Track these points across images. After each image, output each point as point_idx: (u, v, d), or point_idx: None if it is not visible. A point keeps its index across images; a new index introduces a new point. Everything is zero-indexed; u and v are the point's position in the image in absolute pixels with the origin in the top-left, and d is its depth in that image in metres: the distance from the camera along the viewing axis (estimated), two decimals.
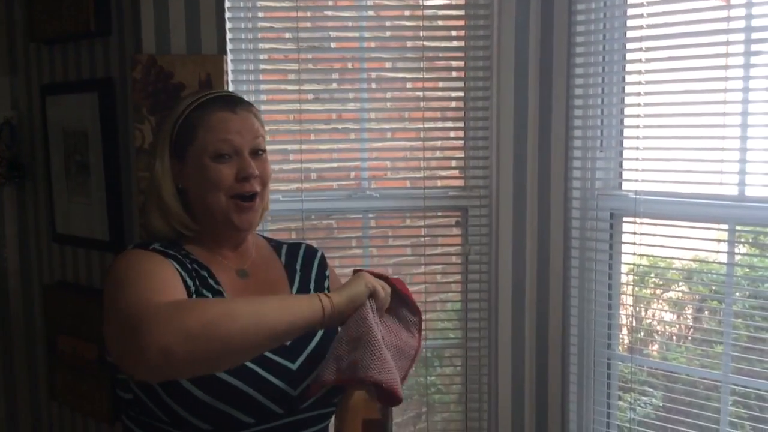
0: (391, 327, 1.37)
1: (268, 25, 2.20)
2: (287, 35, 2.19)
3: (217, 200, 1.40)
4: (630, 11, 2.13)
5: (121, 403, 1.42)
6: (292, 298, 1.34)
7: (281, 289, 1.49)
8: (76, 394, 2.33)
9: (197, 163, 1.40)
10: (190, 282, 1.34)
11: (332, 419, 1.40)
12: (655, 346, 2.42)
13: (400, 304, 1.40)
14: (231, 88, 2.09)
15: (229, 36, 2.09)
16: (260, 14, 2.16)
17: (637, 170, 2.14)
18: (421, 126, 2.22)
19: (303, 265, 1.57)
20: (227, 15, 2.08)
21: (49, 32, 2.27)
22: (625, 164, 2.21)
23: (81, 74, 2.25)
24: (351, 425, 1.30)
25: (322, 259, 1.62)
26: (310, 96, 2.21)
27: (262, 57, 2.19)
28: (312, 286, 1.55)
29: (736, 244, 2.05)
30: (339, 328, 1.33)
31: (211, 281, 1.39)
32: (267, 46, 2.20)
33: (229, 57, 2.09)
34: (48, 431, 2.54)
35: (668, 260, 2.19)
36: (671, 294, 2.49)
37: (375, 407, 1.30)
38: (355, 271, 1.37)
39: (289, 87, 2.19)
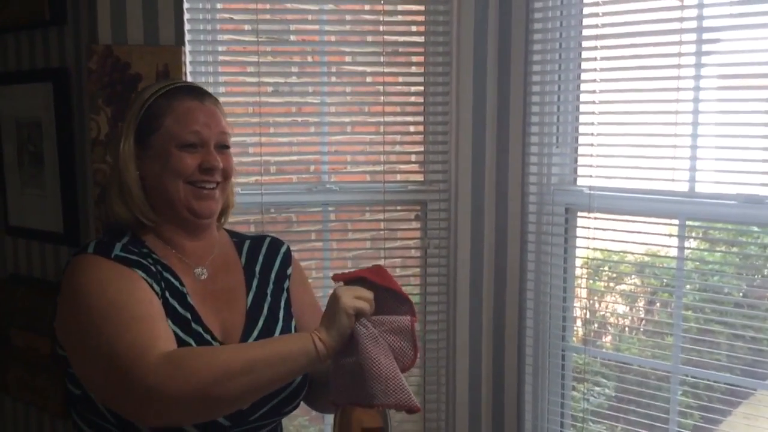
0: (382, 322, 1.33)
1: (227, 16, 2.18)
2: (247, 27, 2.17)
3: (176, 188, 1.39)
4: (586, 10, 2.16)
5: (70, 398, 1.41)
6: (285, 346, 1.26)
7: (238, 298, 1.48)
8: (29, 388, 2.29)
9: (161, 150, 1.39)
10: (157, 287, 1.33)
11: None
12: (608, 338, 2.48)
13: (385, 295, 1.36)
14: (189, 79, 2.07)
15: (187, 27, 2.07)
16: (219, 5, 2.14)
17: (591, 166, 2.18)
18: (381, 120, 2.23)
19: (263, 265, 1.55)
20: (185, 5, 2.06)
21: (1, 20, 2.22)
22: (580, 160, 2.25)
23: (35, 64, 2.20)
24: None
25: (286, 255, 1.60)
26: (270, 88, 2.20)
27: (221, 48, 2.17)
28: (270, 289, 1.53)
29: (686, 238, 2.11)
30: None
31: (175, 283, 1.39)
32: (226, 37, 2.19)
33: (188, 48, 2.07)
34: (1, 426, 2.49)
35: (621, 254, 2.24)
36: (624, 287, 2.55)
37: (377, 416, 1.31)
38: (335, 277, 1.36)
39: (249, 79, 2.18)
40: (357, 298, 1.30)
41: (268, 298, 1.51)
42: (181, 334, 1.33)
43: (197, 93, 1.45)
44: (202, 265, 1.46)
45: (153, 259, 1.39)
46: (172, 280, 1.39)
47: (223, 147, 1.44)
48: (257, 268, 1.54)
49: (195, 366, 1.19)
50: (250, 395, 1.25)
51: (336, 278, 1.37)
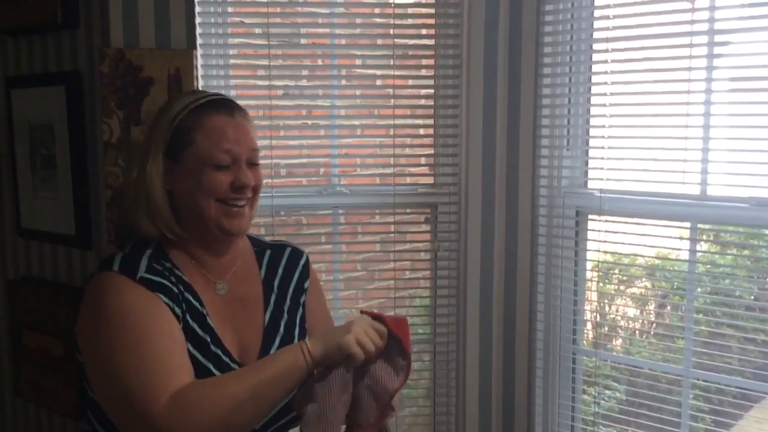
0: (371, 375, 1.39)
1: (238, 20, 2.19)
2: (258, 30, 2.18)
3: (208, 205, 1.39)
4: (597, 12, 2.16)
5: (86, 399, 1.42)
6: (282, 363, 1.31)
7: (256, 315, 1.49)
8: (41, 389, 2.30)
9: (193, 168, 1.38)
10: (178, 311, 1.35)
11: None
12: (619, 341, 2.47)
13: (393, 345, 1.42)
14: (201, 83, 2.08)
15: (198, 30, 2.08)
16: (230, 9, 2.15)
17: (602, 169, 2.18)
18: (391, 123, 2.23)
19: (282, 280, 1.56)
20: (197, 9, 2.07)
21: (14, 24, 2.24)
22: (591, 163, 2.25)
23: (47, 67, 2.22)
24: None
25: (305, 268, 1.61)
26: (280, 92, 2.20)
27: (232, 52, 2.18)
28: (287, 306, 1.54)
29: (697, 241, 2.10)
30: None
31: (196, 304, 1.39)
32: (237, 41, 2.20)
33: (199, 52, 2.08)
34: (12, 427, 2.51)
35: (632, 257, 2.24)
36: (634, 290, 2.54)
37: None
38: (361, 311, 1.43)
39: (259, 82, 2.19)
40: (360, 344, 1.34)
41: (285, 315, 1.53)
42: (200, 357, 1.36)
43: (227, 107, 1.43)
44: (223, 279, 1.47)
45: (176, 276, 1.39)
46: (193, 300, 1.39)
47: (254, 164, 1.44)
48: (276, 282, 1.55)
49: (205, 407, 1.23)
50: (261, 417, 1.32)
51: (362, 312, 1.43)
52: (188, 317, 1.37)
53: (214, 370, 1.36)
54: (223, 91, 2.13)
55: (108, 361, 1.27)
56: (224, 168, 1.39)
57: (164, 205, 1.40)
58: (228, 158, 1.39)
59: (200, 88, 2.06)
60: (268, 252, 1.58)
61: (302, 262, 1.61)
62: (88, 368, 1.34)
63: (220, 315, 1.43)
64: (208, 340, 1.38)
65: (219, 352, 1.39)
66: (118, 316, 1.29)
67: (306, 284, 1.59)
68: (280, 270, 1.57)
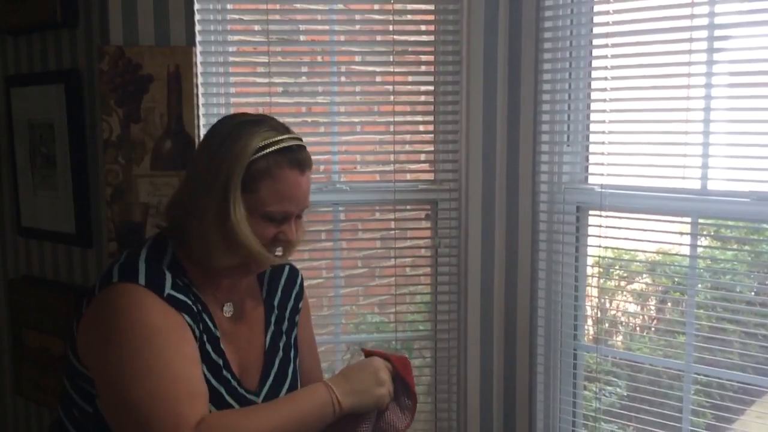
0: (384, 418, 1.44)
1: (237, 17, 2.19)
2: (257, 27, 2.18)
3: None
4: (597, 8, 2.16)
5: (69, 404, 1.40)
6: (309, 406, 1.33)
7: (257, 337, 1.49)
8: (41, 388, 2.31)
9: (247, 209, 1.34)
10: (197, 332, 1.33)
11: None
12: (620, 337, 2.47)
13: (399, 385, 1.45)
14: (200, 80, 2.08)
15: (198, 28, 2.08)
16: (229, 6, 2.15)
17: (602, 164, 2.18)
18: (391, 120, 2.23)
19: (281, 300, 1.56)
20: (196, 6, 2.07)
21: (13, 22, 2.24)
22: (591, 159, 2.25)
23: (47, 65, 2.22)
24: None
25: (301, 287, 1.62)
26: (280, 89, 2.20)
27: (231, 49, 2.18)
28: (285, 327, 1.55)
29: (698, 236, 2.10)
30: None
31: (210, 325, 1.38)
32: (236, 38, 2.20)
33: (198, 49, 2.08)
34: (13, 426, 2.51)
35: (633, 252, 2.24)
36: (635, 285, 2.54)
37: None
38: (365, 351, 1.45)
39: (259, 79, 2.19)
40: (390, 393, 1.40)
41: (284, 337, 1.54)
42: (213, 381, 1.35)
43: (299, 161, 1.39)
44: (230, 300, 1.46)
45: (193, 294, 1.37)
46: (208, 321, 1.38)
47: (300, 216, 1.43)
48: (276, 302, 1.55)
49: None
50: None
51: (366, 352, 1.45)
52: (204, 338, 1.35)
53: (225, 395, 1.36)
54: (222, 89, 2.15)
55: (129, 383, 1.23)
56: (274, 221, 1.37)
57: (256, 243, 1.35)
58: (281, 215, 1.37)
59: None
60: (268, 269, 1.57)
61: (299, 281, 1.61)
62: (99, 385, 1.29)
63: (226, 336, 1.42)
64: (221, 364, 1.38)
65: (229, 377, 1.39)
66: (144, 337, 1.25)
67: (300, 304, 1.60)
68: (279, 291, 1.57)
